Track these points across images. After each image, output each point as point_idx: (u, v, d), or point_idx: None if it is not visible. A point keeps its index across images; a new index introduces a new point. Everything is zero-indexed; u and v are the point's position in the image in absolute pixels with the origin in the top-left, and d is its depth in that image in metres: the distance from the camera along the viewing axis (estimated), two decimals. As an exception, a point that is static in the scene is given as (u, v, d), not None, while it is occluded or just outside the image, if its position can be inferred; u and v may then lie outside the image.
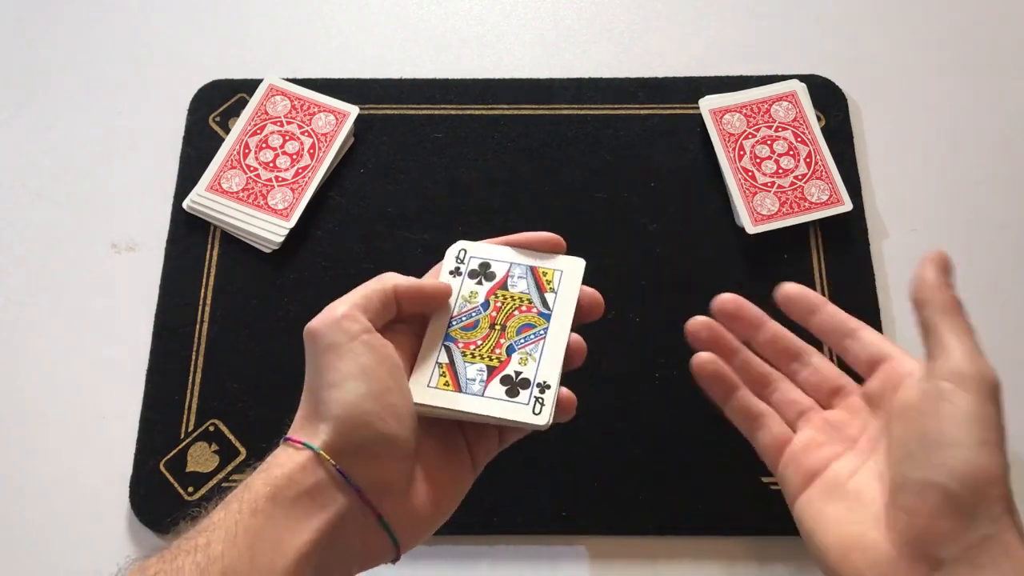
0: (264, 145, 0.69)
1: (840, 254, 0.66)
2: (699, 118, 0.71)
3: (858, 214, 0.67)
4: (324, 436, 0.38)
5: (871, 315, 0.64)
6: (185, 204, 0.67)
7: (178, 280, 0.66)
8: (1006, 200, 0.70)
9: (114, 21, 0.77)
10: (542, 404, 0.43)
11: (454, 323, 0.46)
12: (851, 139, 0.71)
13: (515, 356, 0.44)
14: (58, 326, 0.65)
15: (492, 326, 0.45)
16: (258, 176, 0.68)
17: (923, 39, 0.76)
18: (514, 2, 0.79)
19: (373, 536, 0.39)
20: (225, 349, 0.64)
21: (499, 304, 0.46)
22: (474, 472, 0.44)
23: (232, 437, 0.61)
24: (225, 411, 0.62)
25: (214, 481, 0.60)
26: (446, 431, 0.44)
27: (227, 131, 0.71)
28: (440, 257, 0.48)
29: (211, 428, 0.61)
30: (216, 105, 0.72)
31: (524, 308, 0.46)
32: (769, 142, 0.69)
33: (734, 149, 0.69)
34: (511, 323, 0.45)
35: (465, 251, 0.48)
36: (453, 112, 0.72)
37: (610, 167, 0.70)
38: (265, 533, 0.36)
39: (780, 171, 0.68)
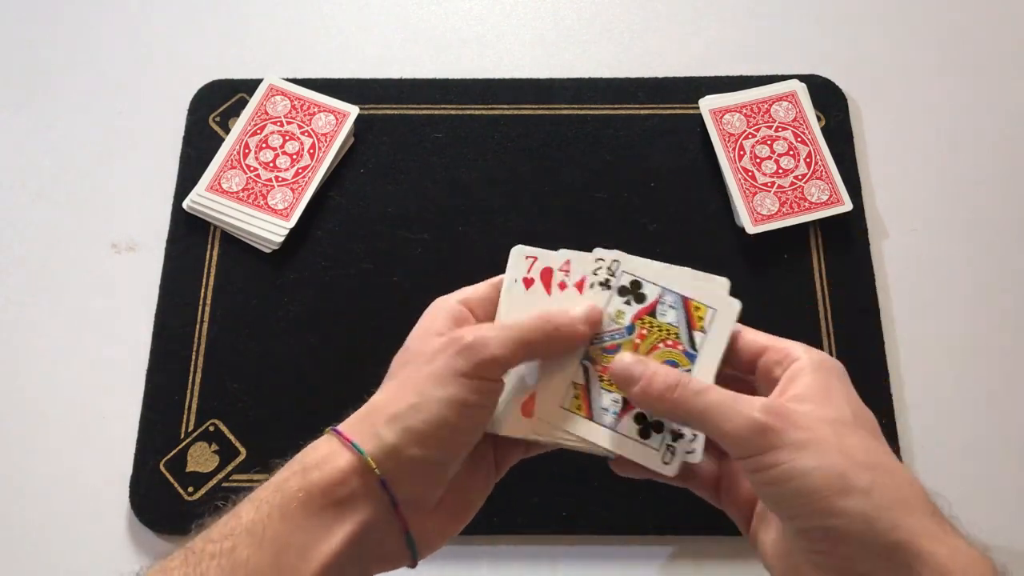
0: (264, 145, 0.69)
1: (840, 254, 0.66)
2: (699, 118, 0.71)
3: (858, 214, 0.67)
4: (386, 439, 0.37)
5: (871, 315, 0.64)
6: (185, 204, 0.67)
7: (178, 280, 0.66)
8: (1006, 200, 0.70)
9: (114, 21, 0.77)
10: (673, 453, 0.41)
11: (595, 342, 0.42)
12: (851, 139, 0.71)
13: None
14: (58, 326, 0.65)
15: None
16: (258, 176, 0.68)
17: (923, 39, 0.76)
18: (514, 2, 0.79)
19: (395, 545, 0.39)
20: (225, 349, 0.64)
21: (644, 332, 0.42)
22: (496, 479, 0.44)
23: (232, 437, 0.61)
24: (225, 411, 0.62)
25: (214, 481, 0.60)
26: (479, 442, 0.43)
27: (227, 131, 0.71)
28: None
29: (211, 428, 0.61)
30: (216, 105, 0.72)
31: (670, 343, 0.42)
32: (769, 142, 0.69)
33: (734, 149, 0.69)
34: (655, 356, 0.41)
35: (618, 263, 0.43)
36: (453, 112, 0.72)
37: (610, 167, 0.70)
38: (293, 539, 0.36)
39: (780, 171, 0.68)
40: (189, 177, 0.69)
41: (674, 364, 0.41)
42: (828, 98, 0.72)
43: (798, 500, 0.35)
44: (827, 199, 0.67)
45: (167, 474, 0.60)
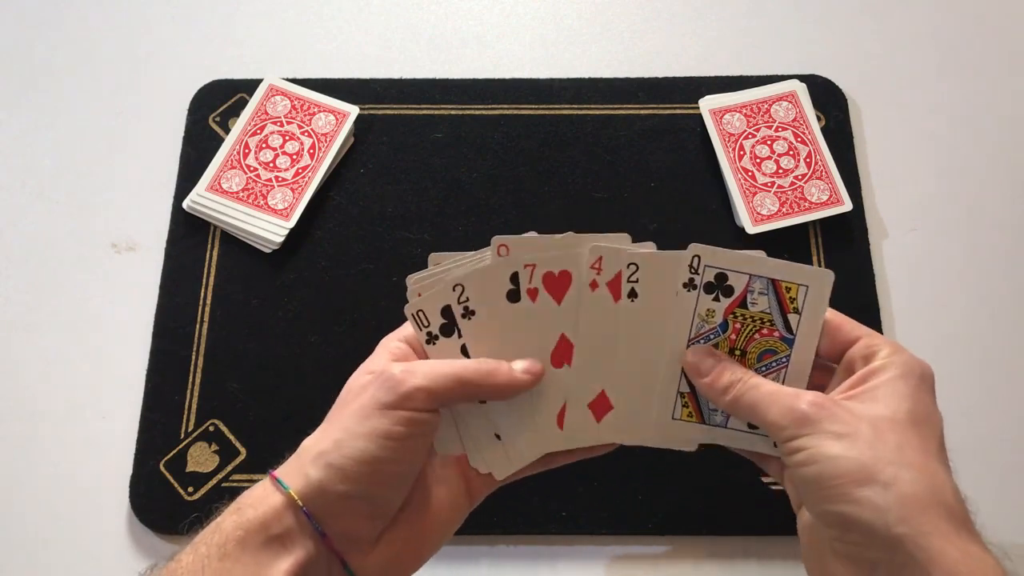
0: (264, 145, 0.69)
1: (840, 254, 0.66)
2: (699, 118, 0.71)
3: (858, 214, 0.67)
4: (312, 477, 0.38)
5: (871, 315, 0.64)
6: (185, 204, 0.67)
7: (178, 280, 0.66)
8: (1005, 200, 0.70)
9: (114, 21, 0.77)
10: None
11: (692, 346, 0.42)
12: (851, 139, 0.71)
13: None
14: (58, 326, 0.65)
15: (732, 351, 0.42)
16: (258, 176, 0.68)
17: (923, 39, 0.76)
18: (514, 2, 0.79)
19: None
20: (225, 349, 0.64)
21: (739, 326, 0.41)
22: (468, 508, 0.44)
23: (232, 437, 0.61)
24: (225, 411, 0.62)
25: (214, 481, 0.60)
26: (447, 475, 0.43)
27: (227, 131, 0.71)
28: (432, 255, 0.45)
29: (211, 428, 0.61)
30: (216, 105, 0.72)
31: (765, 331, 0.41)
32: (769, 142, 0.69)
33: (734, 149, 0.69)
34: (751, 348, 0.42)
35: (699, 258, 0.41)
36: (453, 112, 0.72)
37: (610, 167, 0.70)
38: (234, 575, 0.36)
39: (780, 171, 0.68)
40: (189, 177, 0.69)
41: (772, 352, 0.41)
42: (828, 98, 0.72)
43: (819, 483, 0.37)
44: (827, 199, 0.67)
45: (167, 474, 0.60)
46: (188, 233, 0.68)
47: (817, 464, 0.36)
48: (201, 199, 0.67)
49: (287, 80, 0.72)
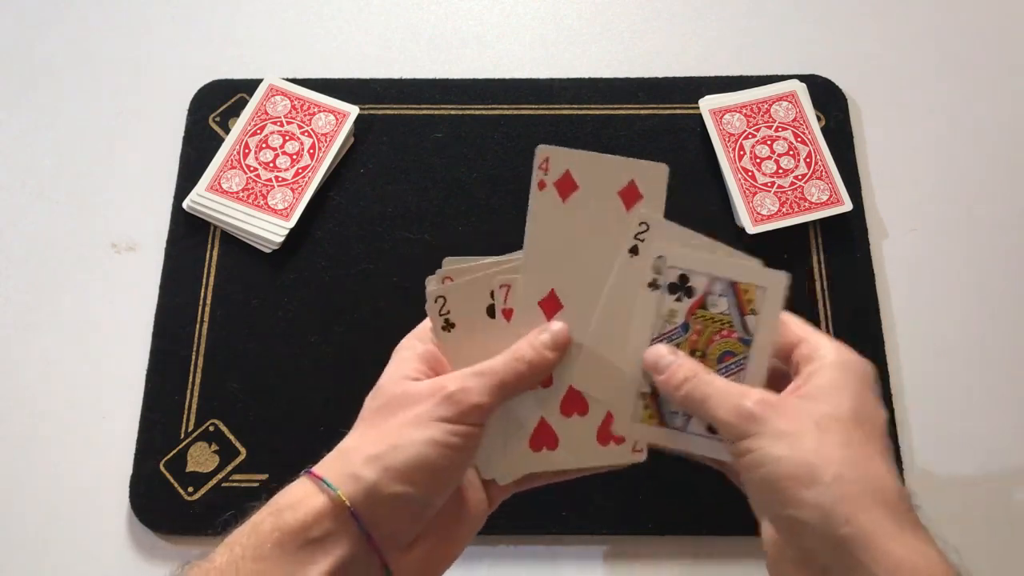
0: (264, 145, 0.69)
1: (840, 254, 0.66)
2: (699, 118, 0.71)
3: (858, 214, 0.67)
4: (365, 479, 0.38)
5: (871, 315, 0.64)
6: (185, 204, 0.67)
7: (178, 280, 0.66)
8: (1005, 200, 0.70)
9: (114, 21, 0.77)
10: None
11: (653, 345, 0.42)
12: (851, 139, 0.71)
13: None
14: (58, 326, 0.65)
15: (693, 352, 0.42)
16: (258, 176, 0.68)
17: (923, 39, 0.76)
18: (514, 2, 0.79)
19: None
20: (225, 349, 0.64)
21: (699, 327, 0.42)
22: (487, 513, 0.44)
23: (232, 437, 0.61)
24: (225, 411, 0.62)
25: (214, 481, 0.60)
26: (472, 478, 0.43)
27: (227, 131, 0.71)
28: (443, 256, 0.45)
29: (211, 428, 0.61)
30: (216, 105, 0.72)
31: (725, 332, 0.42)
32: (769, 142, 0.69)
33: (734, 149, 0.69)
34: (711, 349, 0.42)
35: (663, 259, 0.42)
36: (453, 112, 0.72)
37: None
38: None
39: (780, 171, 0.68)
40: (189, 177, 0.69)
41: (732, 354, 0.42)
42: (828, 98, 0.72)
43: (766, 487, 0.37)
44: (827, 199, 0.67)
45: (167, 474, 0.60)
46: (188, 233, 0.68)
47: (764, 467, 0.37)
48: (201, 199, 0.67)
49: (287, 80, 0.72)
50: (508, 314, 0.42)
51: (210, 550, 0.38)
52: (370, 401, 0.42)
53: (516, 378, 0.40)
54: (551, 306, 0.42)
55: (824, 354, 0.40)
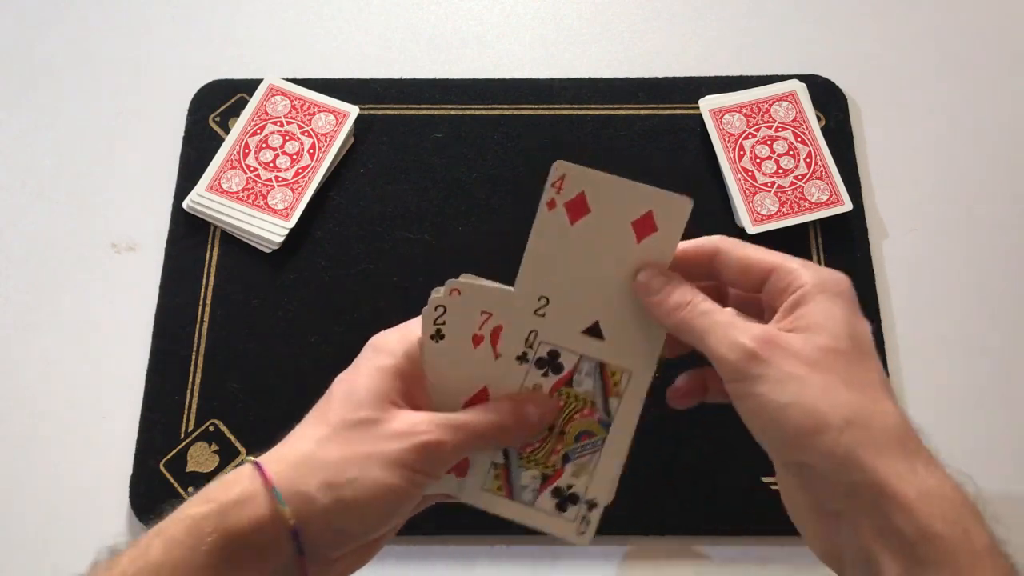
0: (264, 145, 0.69)
1: (840, 254, 0.66)
2: (699, 118, 0.71)
3: (858, 214, 0.67)
4: (317, 503, 0.37)
5: (871, 315, 0.64)
6: (185, 204, 0.67)
7: (178, 280, 0.66)
8: (1005, 200, 0.70)
9: (114, 21, 0.77)
10: (587, 524, 0.41)
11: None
12: (851, 139, 0.71)
13: (569, 467, 0.41)
14: (58, 326, 0.65)
15: (551, 428, 0.41)
16: (258, 176, 0.68)
17: (923, 39, 0.76)
18: (514, 2, 0.79)
19: None
20: (225, 349, 0.64)
21: (562, 403, 0.41)
22: (411, 515, 0.43)
23: (232, 437, 0.61)
24: (225, 411, 0.62)
25: (214, 481, 0.60)
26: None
27: (227, 131, 0.71)
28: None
29: (211, 428, 0.61)
30: (216, 105, 0.72)
31: (586, 412, 0.41)
32: (769, 142, 0.69)
33: (734, 149, 0.69)
34: (571, 428, 0.41)
35: (535, 334, 0.41)
36: (453, 112, 0.72)
37: (610, 167, 0.69)
38: None
39: (780, 171, 0.68)
40: (189, 177, 0.69)
41: (589, 433, 0.41)
42: (828, 98, 0.72)
43: (774, 433, 0.36)
44: (827, 199, 0.67)
45: (167, 474, 0.60)
46: (188, 233, 0.68)
47: (770, 413, 0.36)
48: (201, 199, 0.67)
49: (287, 80, 0.72)
50: (496, 344, 0.41)
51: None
52: (344, 400, 0.41)
53: (493, 441, 0.40)
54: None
55: (803, 280, 0.38)
